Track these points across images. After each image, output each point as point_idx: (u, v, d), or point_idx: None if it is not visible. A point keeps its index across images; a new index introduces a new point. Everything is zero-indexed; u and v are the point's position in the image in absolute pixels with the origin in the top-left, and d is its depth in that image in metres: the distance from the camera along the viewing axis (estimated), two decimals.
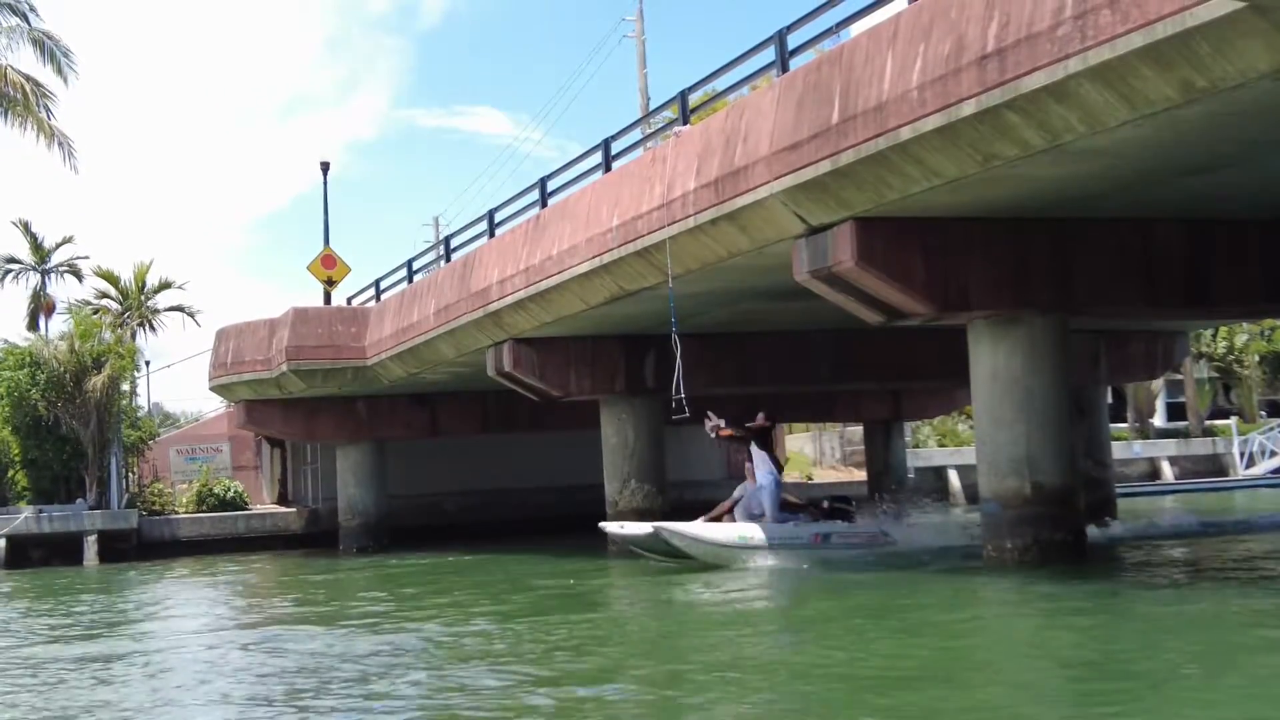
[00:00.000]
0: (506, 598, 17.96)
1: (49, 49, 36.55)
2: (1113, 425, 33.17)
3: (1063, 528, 16.27)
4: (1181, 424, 47.89)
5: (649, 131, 23.34)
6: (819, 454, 45.79)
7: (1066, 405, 16.82)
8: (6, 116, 35.59)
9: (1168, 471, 43.85)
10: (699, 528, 19.67)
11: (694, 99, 19.75)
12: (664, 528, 19.55)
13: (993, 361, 16.52)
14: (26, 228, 47.75)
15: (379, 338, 28.43)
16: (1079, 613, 12.47)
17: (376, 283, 31.54)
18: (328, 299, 34.09)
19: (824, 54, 15.29)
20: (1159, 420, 49.05)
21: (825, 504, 20.86)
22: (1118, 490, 29.20)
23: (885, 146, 13.58)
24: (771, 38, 16.72)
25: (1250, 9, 9.69)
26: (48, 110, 36.26)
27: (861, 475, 38.56)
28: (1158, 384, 45.97)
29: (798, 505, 20.69)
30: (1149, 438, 46.05)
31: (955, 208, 15.15)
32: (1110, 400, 32.10)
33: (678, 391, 18.61)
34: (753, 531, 19.49)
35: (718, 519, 20.08)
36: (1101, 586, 14.51)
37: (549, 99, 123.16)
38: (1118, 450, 34.53)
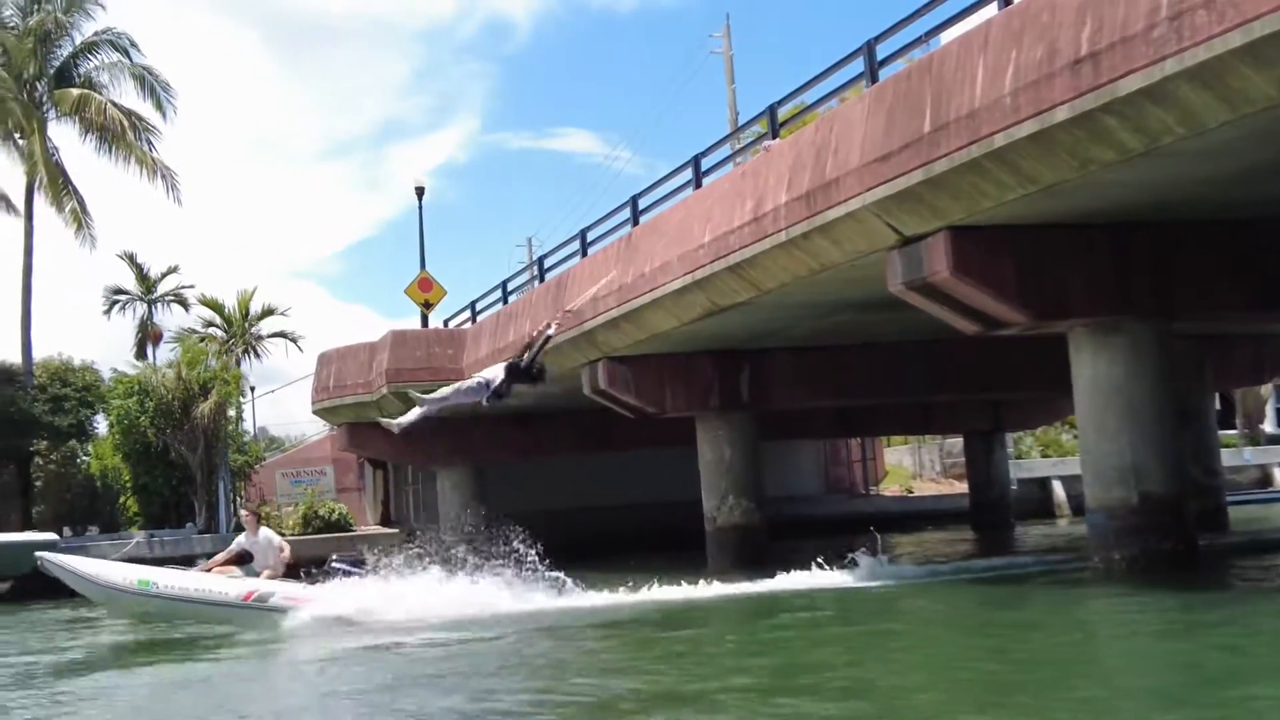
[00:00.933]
0: None
1: (149, 84, 37.61)
2: (1221, 432, 32.36)
3: (1171, 537, 15.92)
4: None
5: (738, 147, 23.33)
6: (918, 467, 45.32)
7: (1172, 412, 16.48)
8: (111, 151, 36.67)
9: None
10: (80, 562, 17.03)
11: (783, 112, 19.72)
12: (45, 558, 16.89)
13: (1094, 370, 16.24)
14: (132, 259, 48.95)
15: (476, 358, 28.70)
16: (1192, 626, 12.18)
17: (472, 304, 31.91)
18: (425, 321, 34.52)
19: (914, 63, 15.19)
20: (1269, 426, 47.78)
21: (331, 564, 17.77)
22: (1228, 498, 28.48)
23: (979, 154, 13.45)
24: (860, 49, 16.66)
25: None
26: (149, 144, 37.35)
27: (963, 488, 38.08)
28: (1267, 389, 44.78)
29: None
30: (1259, 444, 44.87)
31: (1052, 214, 14.94)
32: (1218, 406, 31.35)
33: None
34: (164, 578, 16.62)
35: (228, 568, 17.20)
36: (1215, 597, 14.17)
37: (638, 118, 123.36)
38: (1227, 457, 33.60)
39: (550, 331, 17.30)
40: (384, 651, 14.15)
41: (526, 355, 16.54)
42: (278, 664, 14.54)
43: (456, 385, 17.69)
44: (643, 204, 22.72)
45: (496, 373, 16.67)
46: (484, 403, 16.76)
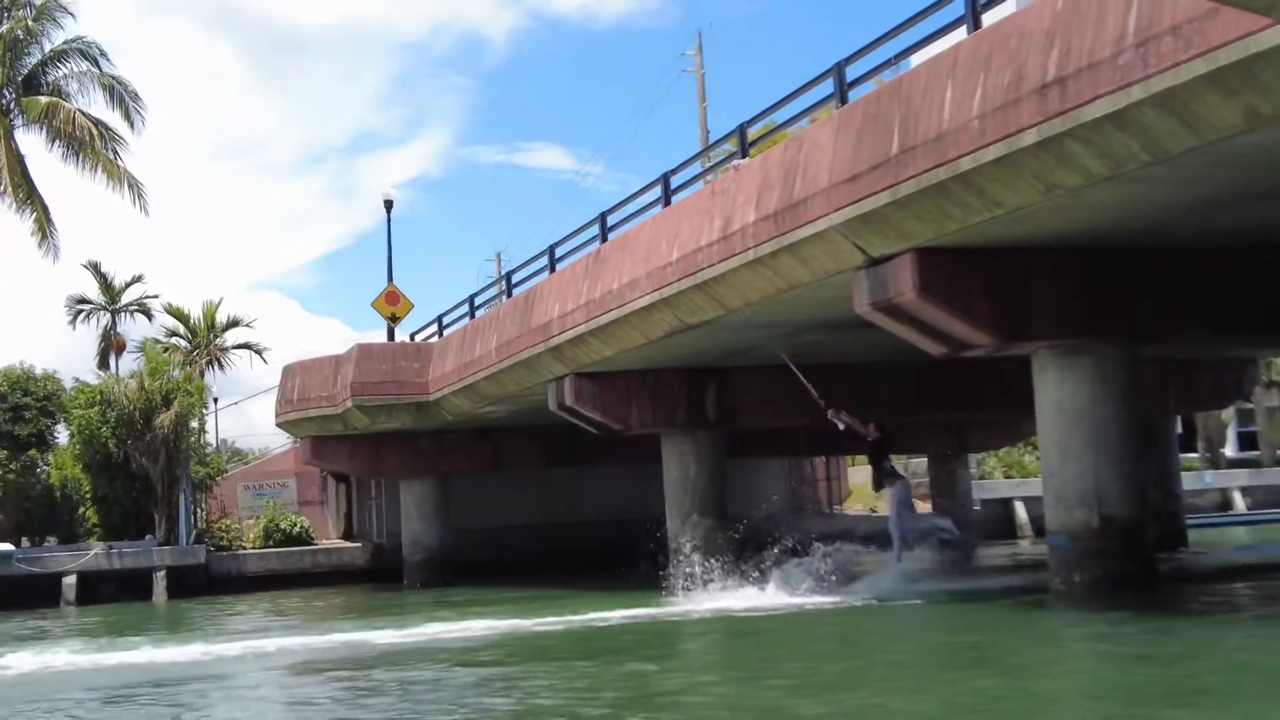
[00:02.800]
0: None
1: (119, 94, 37.35)
2: (1183, 455, 32.63)
3: (1132, 560, 16.01)
4: (1253, 454, 47.01)
5: (708, 165, 23.36)
6: None
7: (1135, 436, 16.58)
8: (78, 160, 36.38)
9: (1240, 502, 43.02)
10: None
11: (753, 132, 19.77)
12: None
13: (1059, 392, 16.32)
14: (97, 268, 48.67)
15: (442, 373, 28.61)
16: (1152, 650, 12.22)
17: (439, 318, 31.81)
18: (391, 335, 34.39)
19: (883, 85, 15.27)
20: (1230, 450, 48.19)
21: None
22: (1189, 521, 28.69)
23: (946, 177, 13.51)
24: (830, 70, 16.72)
25: None
26: (116, 153, 37.05)
27: (928, 508, 38.16)
28: (1228, 413, 45.19)
29: None
30: (1220, 468, 45.24)
31: (1018, 237, 15.02)
32: (1180, 430, 31.60)
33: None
34: None
35: None
36: (1175, 621, 14.24)
37: (609, 134, 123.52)
38: (1188, 481, 33.91)
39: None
40: None
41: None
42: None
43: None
44: (612, 220, 22.71)
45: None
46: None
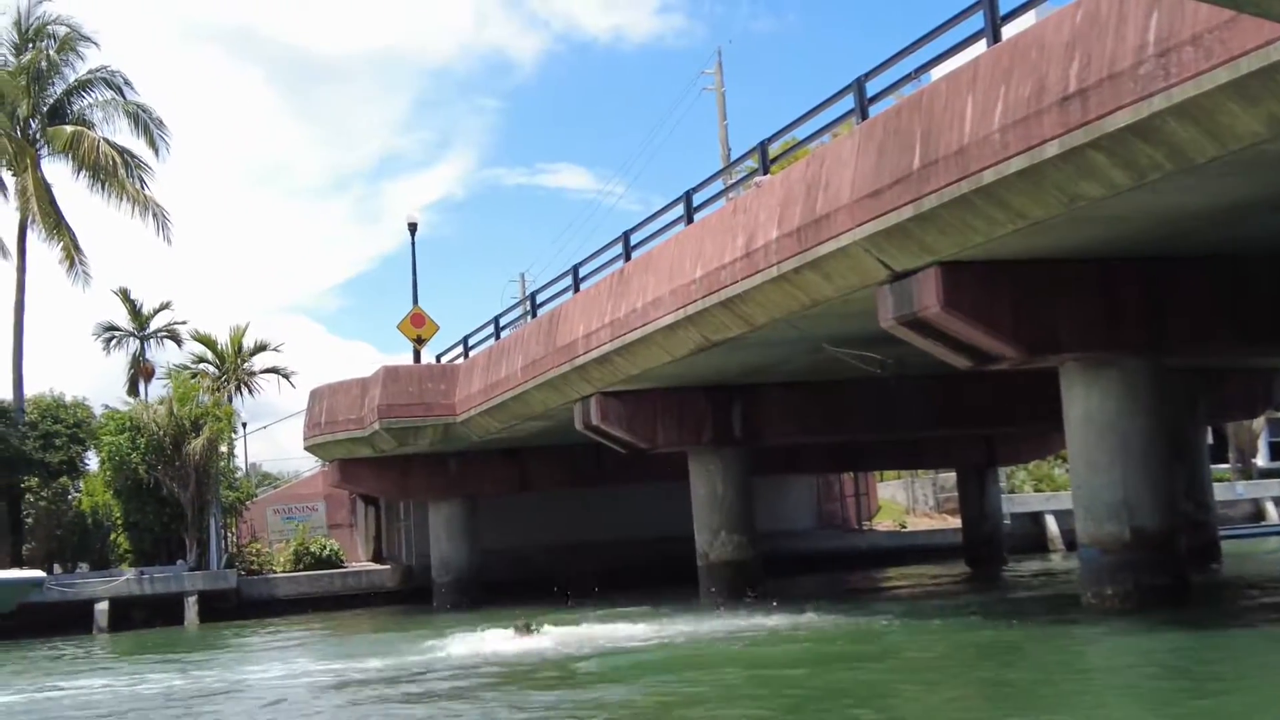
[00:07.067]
0: None
1: (143, 121, 37.73)
2: (1214, 466, 32.35)
3: (1164, 572, 15.90)
4: None
5: (730, 182, 23.40)
6: (912, 501, 45.26)
7: (1164, 447, 16.47)
8: (103, 188, 36.72)
9: (1273, 512, 42.67)
10: None
11: (774, 149, 19.80)
12: None
13: (1086, 404, 16.25)
14: (126, 295, 48.86)
15: (468, 394, 28.69)
16: (1186, 663, 12.14)
17: (465, 340, 31.91)
18: (417, 357, 34.49)
19: (903, 100, 15.26)
20: (1262, 460, 47.78)
21: None
22: (1220, 533, 28.47)
23: (968, 190, 13.50)
24: (850, 85, 16.74)
25: None
26: (141, 181, 37.43)
27: (956, 523, 38.00)
28: (1259, 423, 44.84)
29: None
30: (1252, 478, 44.88)
31: (1042, 249, 14.99)
32: (1210, 440, 31.37)
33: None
34: None
35: None
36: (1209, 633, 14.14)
37: (631, 154, 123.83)
38: (1219, 492, 33.61)
39: None
40: None
41: None
42: None
43: None
44: (635, 239, 22.75)
45: None
46: None
